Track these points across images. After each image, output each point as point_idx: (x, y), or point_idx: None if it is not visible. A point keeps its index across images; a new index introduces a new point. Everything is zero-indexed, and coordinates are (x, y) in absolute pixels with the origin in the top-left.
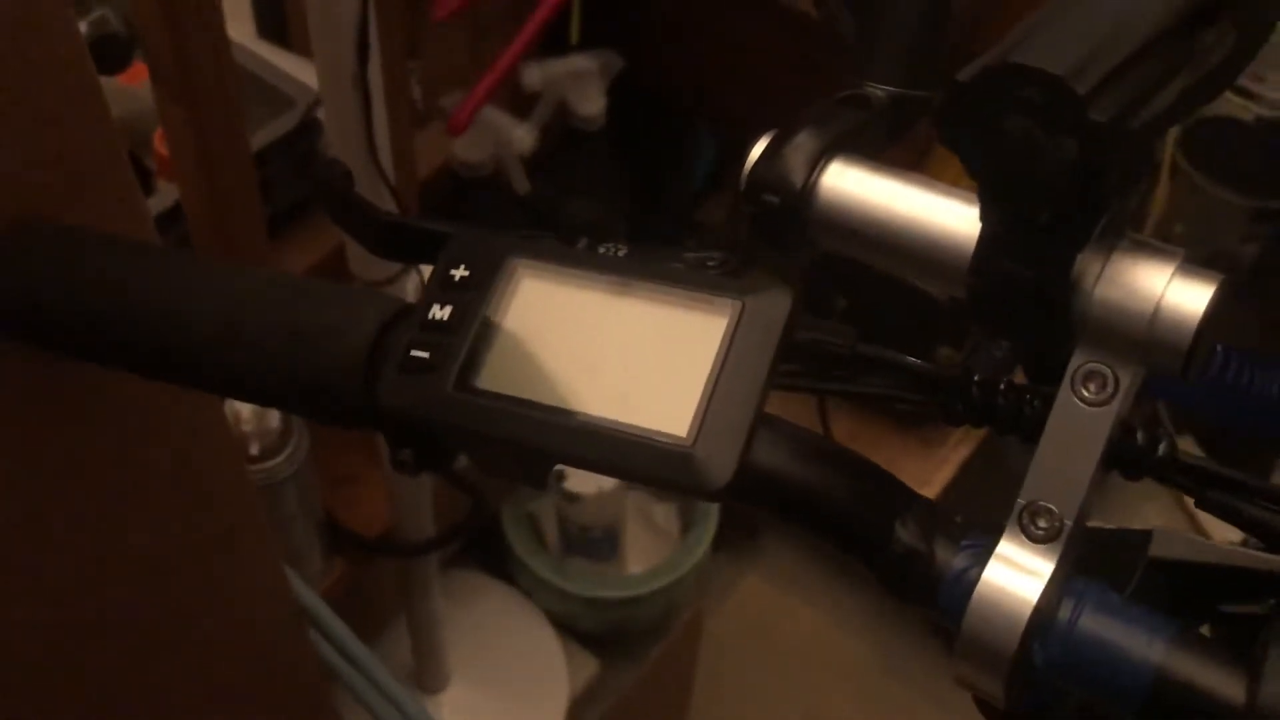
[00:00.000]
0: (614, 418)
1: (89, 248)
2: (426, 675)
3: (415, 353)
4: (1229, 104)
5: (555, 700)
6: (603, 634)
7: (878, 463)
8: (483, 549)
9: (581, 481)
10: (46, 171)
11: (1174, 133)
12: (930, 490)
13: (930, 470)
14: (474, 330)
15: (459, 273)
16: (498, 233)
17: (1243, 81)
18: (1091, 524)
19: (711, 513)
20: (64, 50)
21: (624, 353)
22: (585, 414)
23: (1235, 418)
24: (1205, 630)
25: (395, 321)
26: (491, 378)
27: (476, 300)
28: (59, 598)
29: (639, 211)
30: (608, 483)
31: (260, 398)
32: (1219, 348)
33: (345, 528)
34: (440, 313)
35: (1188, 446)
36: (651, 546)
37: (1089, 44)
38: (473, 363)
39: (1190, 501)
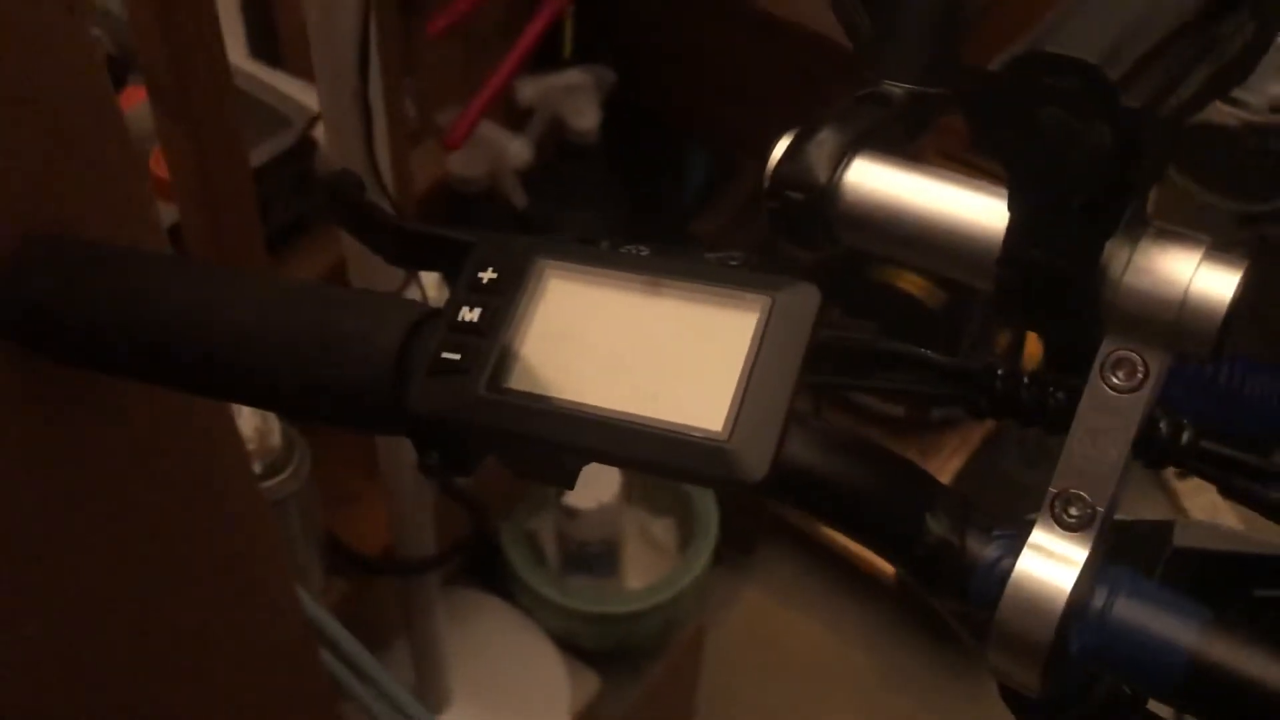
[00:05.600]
0: (649, 414)
1: (108, 259)
2: (428, 694)
3: (446, 355)
4: (1215, 110)
5: (557, 717)
6: (604, 650)
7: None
8: (482, 567)
9: (580, 496)
10: (64, 184)
11: None
12: None
13: None
14: (504, 331)
15: (487, 275)
16: (524, 236)
17: None
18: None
19: (710, 527)
20: (80, 64)
21: (656, 350)
22: (620, 411)
23: (1226, 418)
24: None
25: (422, 325)
26: (523, 378)
27: (506, 302)
28: (70, 610)
29: (633, 225)
30: (606, 497)
31: (287, 406)
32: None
33: (346, 546)
34: (470, 314)
35: None
36: (651, 562)
37: (1119, 32)
38: (504, 364)
39: (1178, 492)
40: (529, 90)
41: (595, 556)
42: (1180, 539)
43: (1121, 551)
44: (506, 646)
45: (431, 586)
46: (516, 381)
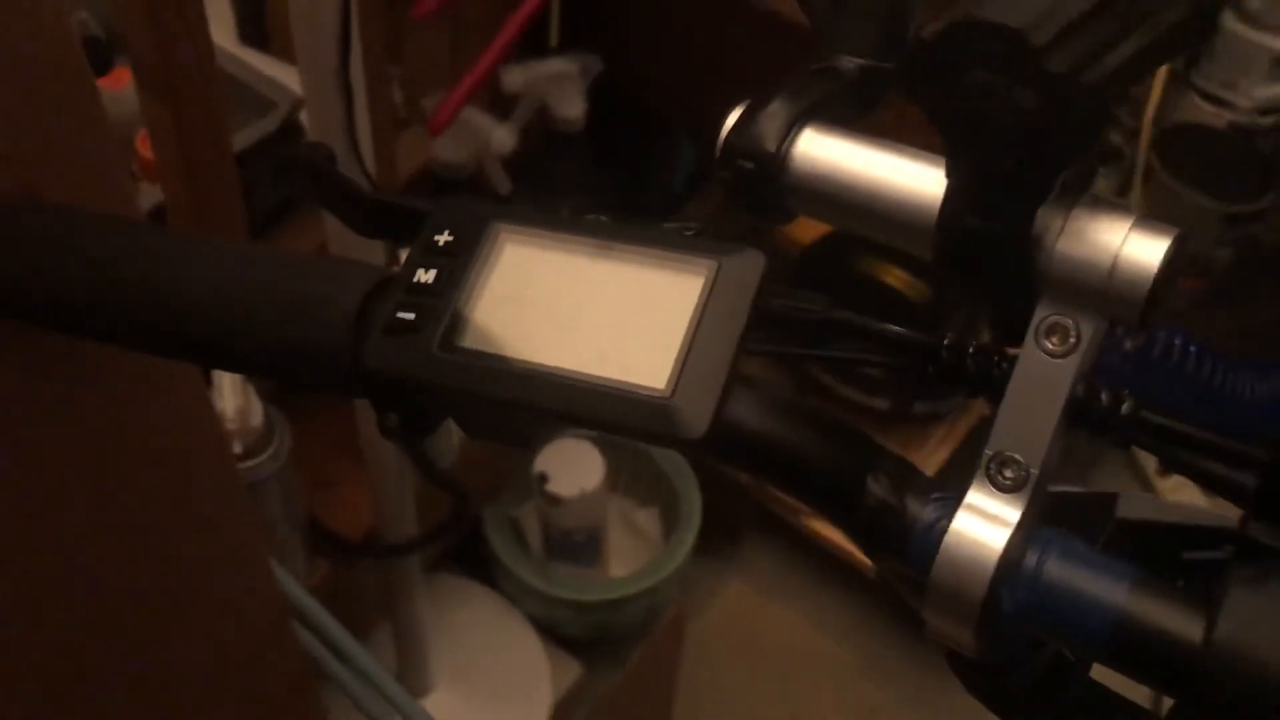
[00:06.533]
0: (596, 373)
1: (81, 225)
2: (410, 679)
3: (401, 315)
4: (1202, 111)
5: (538, 703)
6: (586, 637)
7: None
8: (466, 554)
9: (564, 484)
10: (38, 153)
11: (1149, 138)
12: None
13: None
14: (458, 293)
15: (443, 238)
16: (481, 200)
17: (1215, 89)
18: (1061, 488)
19: (694, 516)
20: (52, 34)
21: (605, 311)
22: (568, 369)
23: (1209, 416)
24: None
25: (381, 288)
26: (475, 337)
27: (461, 264)
28: (38, 582)
29: (619, 213)
30: (590, 485)
31: (251, 366)
32: (1193, 349)
33: (329, 530)
34: (425, 276)
35: None
36: (634, 550)
37: (1046, 1)
38: (457, 323)
39: (1162, 490)
40: (515, 77)
41: (579, 544)
42: (1123, 510)
43: (1065, 521)
44: (489, 632)
45: (413, 570)
46: (469, 341)
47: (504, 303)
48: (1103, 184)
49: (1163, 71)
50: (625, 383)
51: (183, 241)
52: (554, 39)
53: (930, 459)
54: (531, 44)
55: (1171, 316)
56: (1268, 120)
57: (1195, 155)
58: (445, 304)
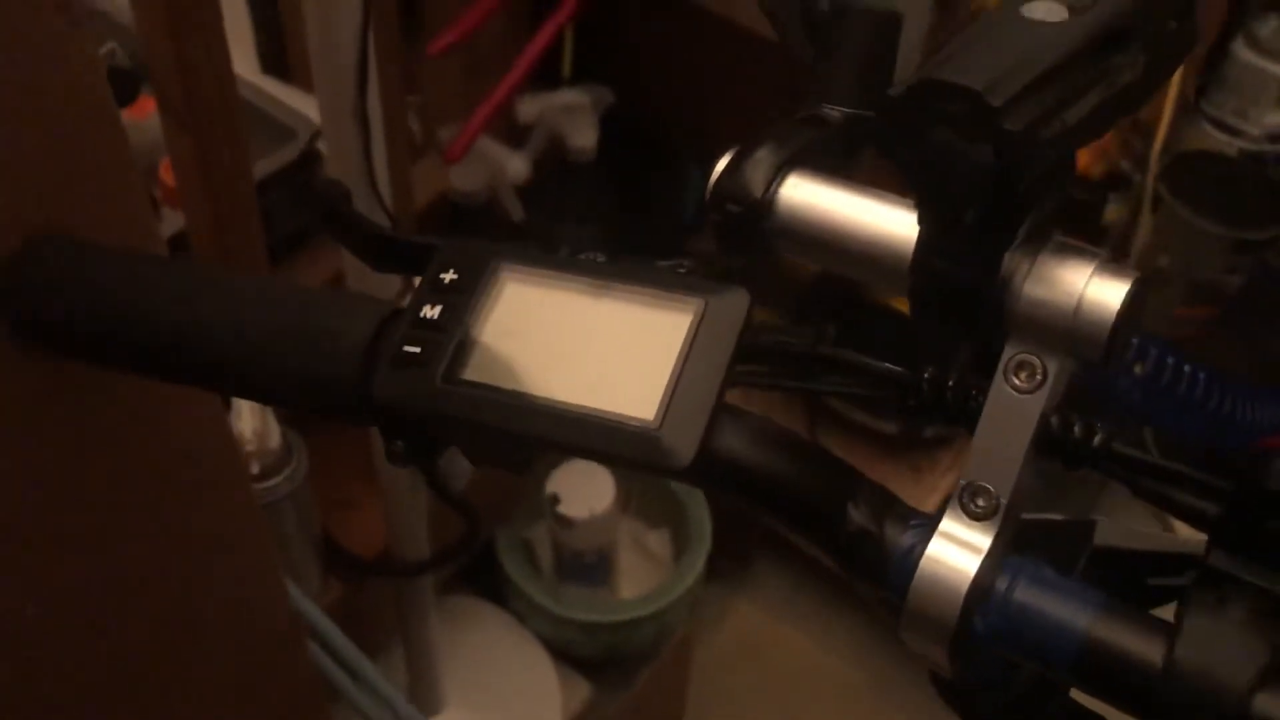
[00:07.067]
0: (589, 404)
1: (103, 260)
2: (422, 698)
3: (407, 348)
4: (1212, 138)
5: None
6: (596, 658)
7: None
8: (478, 574)
9: (575, 506)
10: (64, 189)
11: (1158, 166)
12: None
13: (919, 497)
14: (461, 328)
15: (448, 276)
16: (484, 241)
17: (1227, 117)
18: (1042, 516)
19: (704, 538)
20: (81, 74)
21: (599, 346)
22: (562, 401)
23: (1220, 444)
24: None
25: (389, 322)
26: (477, 370)
27: (464, 301)
28: (52, 600)
29: (630, 241)
30: (601, 507)
31: (266, 396)
32: (1202, 376)
33: (343, 548)
34: (430, 312)
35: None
36: (644, 572)
37: (1004, 63)
38: (460, 357)
39: (1177, 526)
40: (529, 108)
41: (590, 566)
42: (1100, 537)
43: (1046, 547)
44: (500, 652)
45: (426, 590)
46: (471, 373)
47: (504, 338)
48: (1112, 212)
49: (1171, 99)
50: (616, 414)
51: (202, 276)
52: (567, 71)
53: (940, 481)
54: (545, 76)
55: (1182, 343)
56: (1278, 147)
57: (1205, 182)
58: (449, 338)
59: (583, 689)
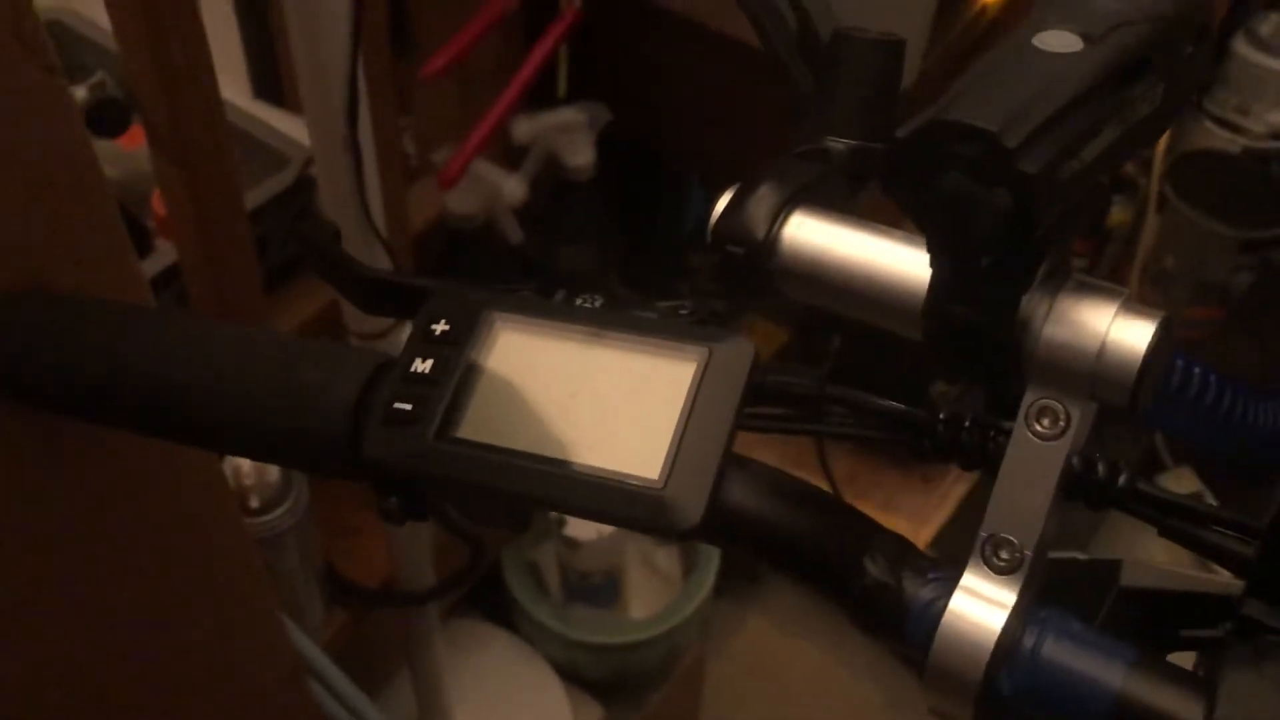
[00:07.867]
0: (589, 463)
1: (86, 314)
2: None
3: (398, 405)
4: (1216, 137)
5: None
6: (606, 680)
7: (877, 500)
8: (485, 597)
9: (582, 528)
10: (46, 242)
11: (1162, 167)
12: (929, 527)
13: (930, 508)
14: (454, 382)
15: (439, 327)
16: (476, 287)
17: (1229, 115)
18: (1064, 554)
19: (713, 556)
20: (59, 124)
21: (598, 399)
22: (561, 460)
23: (1230, 448)
24: (1173, 657)
25: (378, 376)
26: (471, 428)
27: (456, 353)
28: (52, 647)
29: (630, 259)
30: (607, 528)
31: (253, 452)
32: (1212, 379)
33: (346, 578)
34: (422, 366)
35: (1188, 478)
36: (653, 591)
37: (1018, 101)
38: (453, 414)
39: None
40: (524, 129)
41: (597, 587)
42: (1127, 578)
43: (1069, 589)
44: (509, 677)
45: (431, 618)
46: (464, 431)
47: (498, 392)
48: (1117, 214)
49: None
50: (618, 473)
51: (185, 329)
52: (562, 90)
53: (951, 490)
54: (540, 95)
55: (1190, 345)
56: None
57: (1209, 182)
58: (441, 394)
59: (594, 711)
